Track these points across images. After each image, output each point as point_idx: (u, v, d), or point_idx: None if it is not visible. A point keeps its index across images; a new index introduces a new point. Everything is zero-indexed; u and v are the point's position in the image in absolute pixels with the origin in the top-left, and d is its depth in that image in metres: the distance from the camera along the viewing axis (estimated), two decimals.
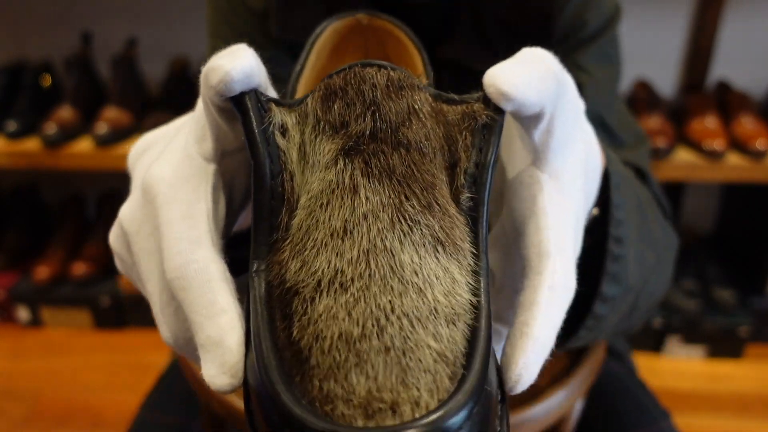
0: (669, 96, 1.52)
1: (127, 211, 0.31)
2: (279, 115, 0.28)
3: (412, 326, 0.23)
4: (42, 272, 1.55)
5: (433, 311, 0.24)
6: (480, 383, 0.23)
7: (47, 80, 1.52)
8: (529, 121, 0.29)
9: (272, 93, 0.31)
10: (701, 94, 1.42)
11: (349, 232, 0.25)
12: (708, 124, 1.31)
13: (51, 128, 1.34)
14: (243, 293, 0.28)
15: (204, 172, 0.29)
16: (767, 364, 1.47)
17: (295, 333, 0.24)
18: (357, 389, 0.22)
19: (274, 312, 0.25)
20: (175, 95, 1.44)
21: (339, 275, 0.24)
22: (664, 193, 0.57)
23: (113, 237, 0.33)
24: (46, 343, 1.57)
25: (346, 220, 0.25)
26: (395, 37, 0.40)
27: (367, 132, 0.27)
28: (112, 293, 1.55)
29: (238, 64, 0.26)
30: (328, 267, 0.25)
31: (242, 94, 0.27)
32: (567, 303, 0.28)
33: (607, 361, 0.66)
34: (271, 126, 0.27)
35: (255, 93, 0.27)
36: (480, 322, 0.25)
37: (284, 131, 0.28)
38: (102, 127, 1.34)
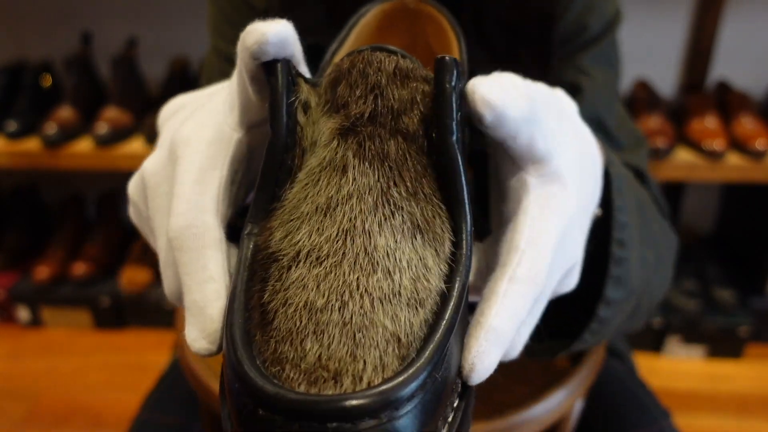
0: (669, 96, 1.52)
1: (150, 165, 0.32)
2: (305, 93, 0.28)
3: (372, 305, 0.24)
4: (42, 272, 1.55)
5: (397, 294, 0.24)
6: (429, 370, 0.23)
7: (47, 80, 1.52)
8: (508, 138, 0.29)
9: (304, 69, 0.31)
10: (701, 94, 1.42)
11: (332, 209, 0.26)
12: (708, 124, 1.31)
13: (51, 128, 1.34)
14: None
15: (227, 140, 0.30)
16: (767, 364, 1.47)
17: (266, 296, 0.25)
18: (308, 355, 0.23)
19: (255, 275, 0.26)
20: (175, 95, 1.43)
21: (316, 249, 0.25)
22: (663, 195, 0.57)
23: (133, 186, 0.33)
24: (46, 343, 1.57)
25: (330, 197, 0.26)
26: (438, 23, 0.40)
27: (366, 114, 0.27)
28: (112, 293, 1.55)
29: (274, 28, 0.27)
30: (308, 240, 0.25)
31: (275, 62, 0.27)
32: (533, 295, 0.28)
33: (608, 361, 0.66)
34: (297, 102, 0.28)
35: (288, 64, 0.28)
36: (444, 311, 0.25)
37: (306, 108, 0.28)
38: (102, 127, 1.34)
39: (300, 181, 0.27)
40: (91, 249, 1.61)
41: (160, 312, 1.55)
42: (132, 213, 0.35)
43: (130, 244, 1.64)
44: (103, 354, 1.53)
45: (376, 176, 0.26)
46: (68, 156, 1.35)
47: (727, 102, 1.38)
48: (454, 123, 0.27)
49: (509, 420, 0.45)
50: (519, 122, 0.28)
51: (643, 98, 1.39)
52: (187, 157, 0.29)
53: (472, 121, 0.29)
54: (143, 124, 1.38)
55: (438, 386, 0.23)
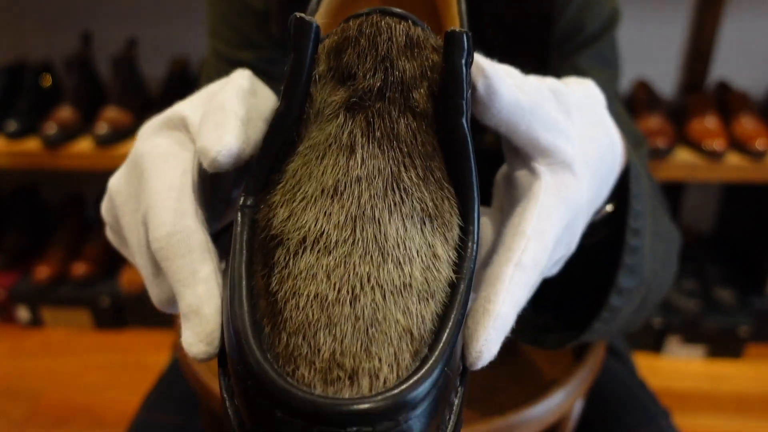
0: (669, 96, 1.52)
1: (114, 184, 0.32)
2: (322, 62, 0.27)
3: (384, 299, 0.23)
4: (42, 272, 1.55)
5: (407, 286, 0.24)
6: (441, 367, 0.22)
7: (47, 80, 1.52)
8: (503, 125, 0.29)
9: (264, 95, 0.30)
10: (701, 94, 1.42)
11: (339, 193, 0.25)
12: (708, 124, 1.31)
13: (51, 128, 1.34)
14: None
15: (189, 148, 0.30)
16: (767, 364, 1.47)
17: (273, 284, 0.24)
18: (322, 349, 0.22)
19: (255, 255, 0.25)
20: (175, 95, 1.42)
21: (324, 236, 0.24)
22: (663, 193, 0.57)
23: (104, 209, 0.33)
24: (46, 343, 1.57)
25: (338, 180, 0.25)
26: None
27: (375, 89, 0.26)
28: (112, 293, 1.55)
29: (224, 149, 0.27)
30: (315, 225, 0.25)
31: (305, 23, 0.26)
32: (534, 282, 0.28)
33: (607, 360, 0.66)
34: (315, 74, 0.27)
35: (318, 32, 0.26)
36: (453, 303, 0.25)
37: (317, 79, 0.27)
38: (102, 127, 1.34)
39: (301, 153, 0.26)
40: (91, 249, 1.61)
41: (160, 312, 1.55)
42: (109, 234, 0.35)
43: None
44: (103, 354, 1.53)
45: (386, 158, 0.25)
46: (68, 156, 1.35)
47: (727, 102, 1.38)
48: (464, 102, 0.26)
49: (509, 420, 0.45)
50: (512, 106, 0.28)
51: (643, 98, 1.39)
52: (154, 168, 0.29)
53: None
54: (143, 124, 1.38)
55: (447, 379, 0.23)
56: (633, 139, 0.59)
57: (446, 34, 0.26)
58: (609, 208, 0.40)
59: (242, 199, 0.26)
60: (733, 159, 1.26)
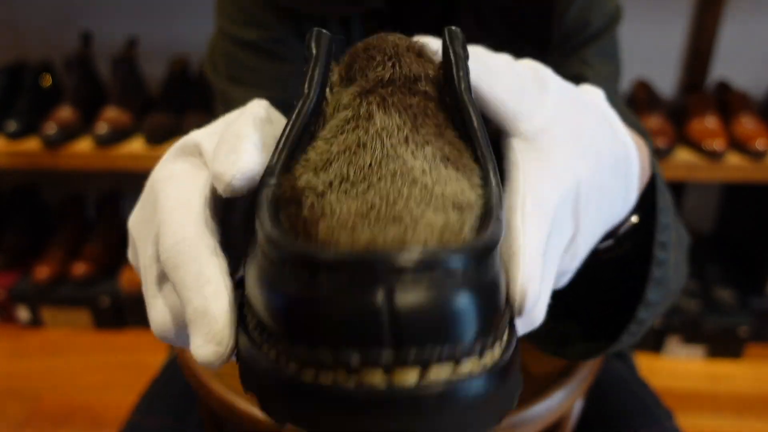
0: (669, 96, 1.52)
1: (132, 219, 0.31)
2: (336, 73, 0.30)
3: (418, 206, 0.23)
4: (42, 272, 1.55)
5: (441, 197, 0.24)
6: (488, 241, 0.22)
7: (47, 80, 1.52)
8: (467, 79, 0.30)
9: (280, 123, 0.32)
10: (701, 94, 1.42)
11: (363, 146, 0.26)
12: (708, 124, 1.31)
13: (51, 128, 1.34)
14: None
15: (206, 170, 0.29)
16: (767, 364, 1.47)
17: (305, 211, 0.23)
18: (361, 238, 0.22)
19: (279, 210, 0.24)
20: (175, 95, 1.44)
21: (353, 174, 0.25)
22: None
23: (130, 253, 0.33)
24: (46, 343, 1.57)
25: (359, 137, 0.26)
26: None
27: (386, 78, 0.29)
28: (112, 293, 1.55)
29: (239, 173, 0.26)
30: (341, 171, 0.25)
31: (320, 33, 0.29)
32: (548, 225, 0.28)
33: (609, 360, 0.66)
34: (331, 74, 0.30)
35: (331, 41, 0.29)
36: (490, 207, 0.24)
37: (332, 87, 0.30)
38: (102, 127, 1.34)
39: (322, 137, 0.27)
40: (91, 249, 1.61)
41: None
42: (139, 274, 0.33)
43: None
44: (102, 354, 1.53)
45: (403, 119, 0.27)
46: (68, 156, 1.35)
47: (727, 102, 1.38)
48: (466, 75, 0.28)
49: (509, 420, 0.45)
50: (472, 63, 0.29)
51: (643, 98, 1.39)
52: (166, 189, 0.29)
53: None
54: (143, 124, 1.38)
55: (495, 273, 0.23)
56: (638, 133, 0.59)
57: (444, 29, 0.29)
58: (634, 219, 0.40)
59: (264, 179, 0.26)
60: (733, 159, 1.26)
